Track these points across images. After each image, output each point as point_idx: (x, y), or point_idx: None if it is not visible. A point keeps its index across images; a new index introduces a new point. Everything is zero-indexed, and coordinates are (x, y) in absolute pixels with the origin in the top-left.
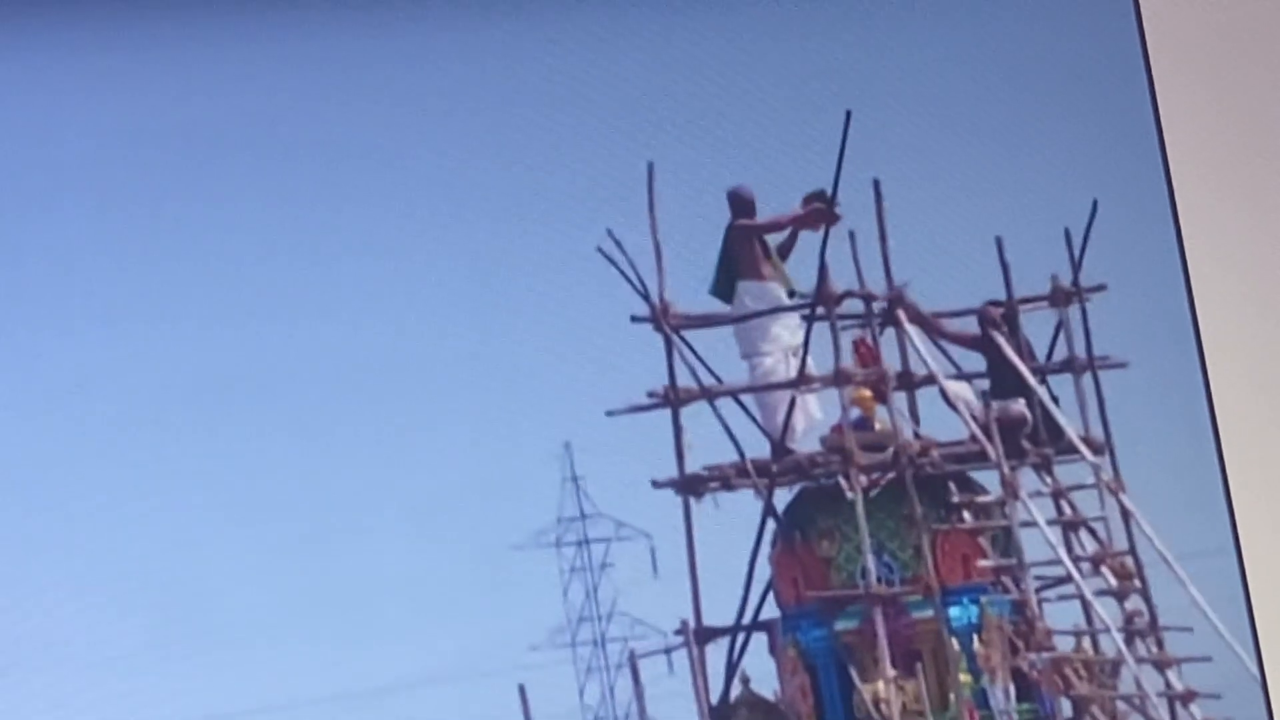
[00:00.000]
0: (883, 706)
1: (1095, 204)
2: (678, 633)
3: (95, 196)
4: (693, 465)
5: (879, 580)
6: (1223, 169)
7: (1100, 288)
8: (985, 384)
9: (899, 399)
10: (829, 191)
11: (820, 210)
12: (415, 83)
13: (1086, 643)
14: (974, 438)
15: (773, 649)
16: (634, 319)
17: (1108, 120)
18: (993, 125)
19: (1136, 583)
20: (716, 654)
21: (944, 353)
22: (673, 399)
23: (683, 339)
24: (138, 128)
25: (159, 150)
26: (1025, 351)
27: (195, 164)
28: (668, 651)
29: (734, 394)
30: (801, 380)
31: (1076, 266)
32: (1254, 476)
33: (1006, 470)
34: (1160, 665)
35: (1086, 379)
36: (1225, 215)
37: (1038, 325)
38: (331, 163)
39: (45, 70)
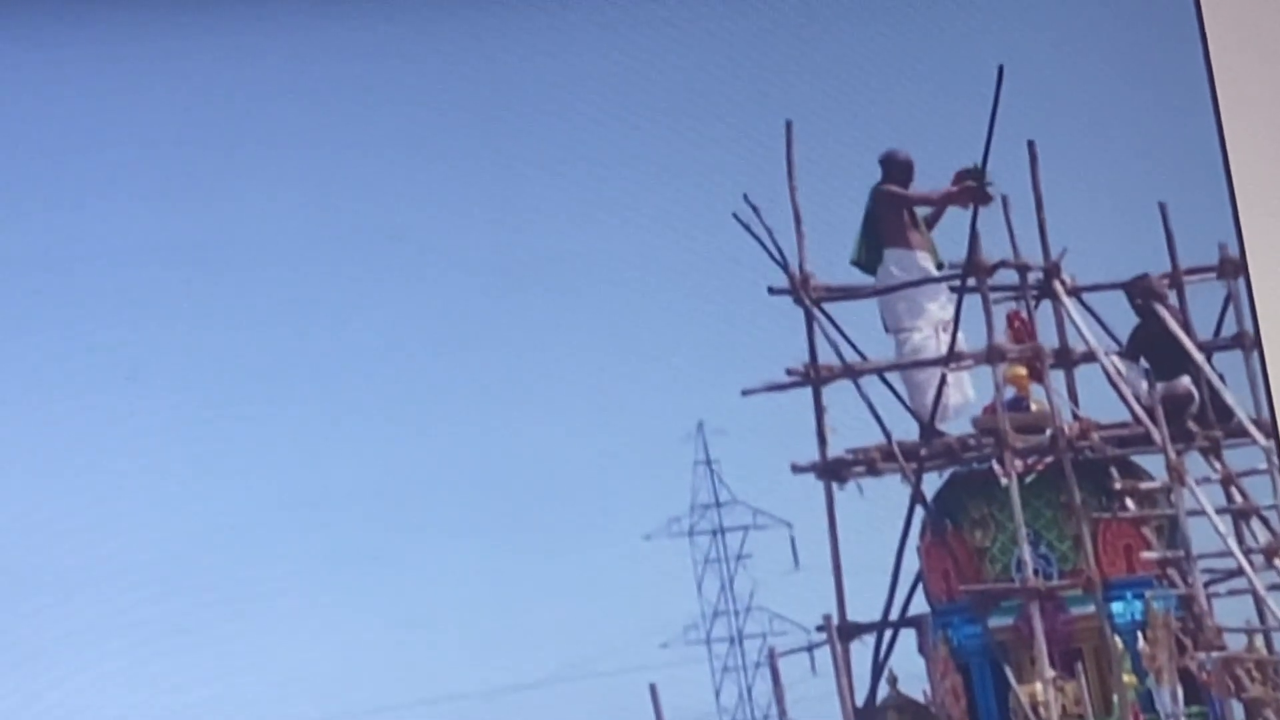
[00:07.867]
0: (1041, 709)
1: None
2: (820, 629)
3: (145, 192)
4: (835, 448)
5: (1036, 573)
6: None
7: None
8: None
9: (1056, 377)
10: (982, 154)
11: (972, 189)
12: (549, 46)
13: (1260, 641)
14: (1137, 419)
15: (922, 647)
16: (772, 291)
17: None
18: (1156, 82)
19: None
20: (862, 652)
21: (1104, 327)
22: (814, 377)
23: (824, 312)
24: (185, 127)
25: (211, 147)
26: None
27: (269, 158)
28: (809, 649)
29: (880, 372)
30: (952, 357)
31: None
32: None
33: (1173, 455)
34: None
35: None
36: None
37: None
38: (440, 136)
39: (101, 73)
